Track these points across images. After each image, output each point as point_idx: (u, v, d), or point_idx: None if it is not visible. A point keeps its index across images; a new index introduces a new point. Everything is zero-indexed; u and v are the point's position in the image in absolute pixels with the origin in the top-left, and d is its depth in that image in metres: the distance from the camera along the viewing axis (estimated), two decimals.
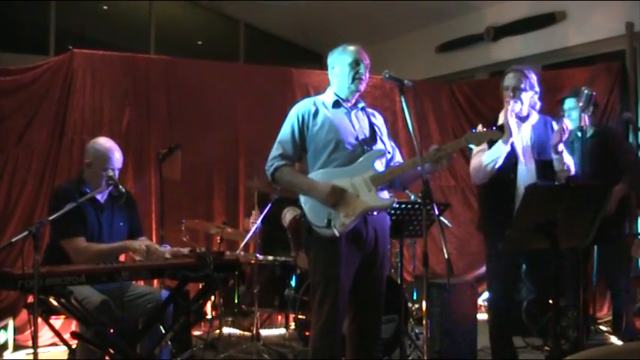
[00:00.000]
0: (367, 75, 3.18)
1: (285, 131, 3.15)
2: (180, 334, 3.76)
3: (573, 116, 4.24)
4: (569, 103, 4.53)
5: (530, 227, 2.90)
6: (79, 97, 5.13)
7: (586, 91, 4.04)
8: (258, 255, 4.49)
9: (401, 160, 3.27)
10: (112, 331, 3.05)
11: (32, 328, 2.82)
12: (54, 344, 4.68)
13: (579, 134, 4.34)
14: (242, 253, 4.63)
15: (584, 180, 4.05)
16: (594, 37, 6.10)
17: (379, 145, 3.17)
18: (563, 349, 4.00)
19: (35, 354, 2.80)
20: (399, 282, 4.34)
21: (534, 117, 3.63)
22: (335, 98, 3.18)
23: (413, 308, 4.93)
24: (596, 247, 4.43)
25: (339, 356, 3.07)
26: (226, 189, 5.72)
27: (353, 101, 3.22)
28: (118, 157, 3.54)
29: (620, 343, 4.40)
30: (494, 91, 3.72)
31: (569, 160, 3.55)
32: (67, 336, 3.36)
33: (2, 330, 4.59)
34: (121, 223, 3.58)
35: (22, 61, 5.45)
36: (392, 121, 6.14)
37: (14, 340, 4.68)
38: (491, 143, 3.50)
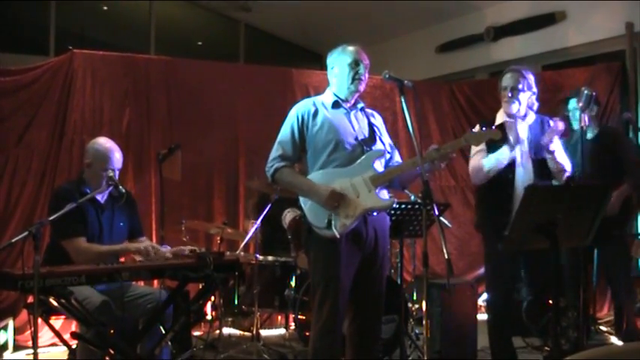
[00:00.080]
0: (366, 75, 3.18)
1: (285, 132, 3.15)
2: (181, 335, 3.76)
3: (577, 116, 4.23)
4: (573, 103, 4.51)
5: (530, 227, 2.90)
6: (79, 98, 5.13)
7: (586, 92, 4.04)
8: (257, 255, 4.49)
9: (400, 160, 3.27)
10: (112, 331, 3.05)
11: (32, 329, 2.82)
12: (54, 344, 4.69)
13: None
14: (242, 253, 4.63)
15: (586, 180, 4.04)
16: (594, 37, 6.10)
17: (378, 146, 3.17)
18: (563, 349, 4.01)
19: (35, 354, 2.80)
20: (399, 282, 4.34)
21: (531, 117, 3.64)
22: (334, 99, 3.18)
23: (413, 308, 4.93)
24: (595, 247, 4.42)
25: (339, 356, 3.08)
26: (226, 189, 5.72)
27: (352, 101, 3.22)
28: (118, 157, 3.54)
29: (620, 343, 4.40)
30: (495, 91, 3.72)
31: (564, 160, 3.55)
32: (67, 336, 3.36)
33: (2, 330, 4.59)
34: (121, 224, 3.58)
35: (22, 62, 5.45)
36: (392, 121, 6.14)
37: (14, 340, 4.68)
38: (490, 143, 3.50)
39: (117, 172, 3.52)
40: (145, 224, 4.32)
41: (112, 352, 3.06)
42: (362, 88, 3.19)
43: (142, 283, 4.05)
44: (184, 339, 4.02)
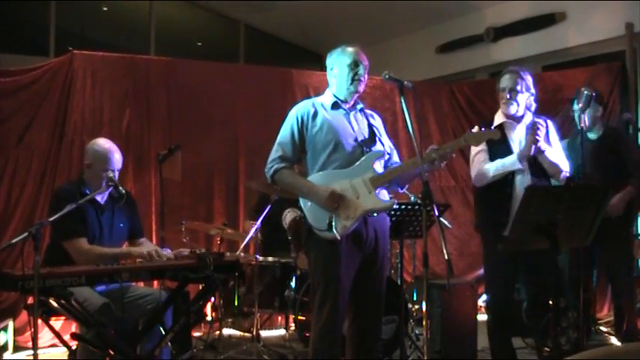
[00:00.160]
0: (366, 76, 3.18)
1: (285, 133, 3.15)
2: (181, 335, 3.75)
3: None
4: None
5: (531, 228, 2.90)
6: (79, 98, 5.13)
7: (585, 92, 4.03)
8: (258, 256, 4.49)
9: (398, 161, 3.27)
10: (112, 332, 3.05)
11: (32, 329, 2.82)
12: (54, 345, 4.69)
13: (588, 135, 4.32)
14: (242, 254, 4.63)
15: (587, 181, 4.04)
16: (594, 37, 6.10)
17: (378, 146, 3.17)
18: (563, 349, 4.01)
19: (35, 355, 2.79)
20: (399, 283, 4.34)
21: (528, 117, 3.64)
22: (334, 99, 3.18)
23: (413, 309, 4.93)
24: (596, 247, 4.41)
25: (339, 357, 3.07)
26: (226, 190, 5.72)
27: (352, 102, 3.22)
28: (117, 158, 3.54)
29: (620, 344, 4.40)
30: (495, 91, 3.73)
31: (559, 159, 3.55)
32: (67, 337, 3.37)
33: (2, 331, 4.59)
34: (121, 224, 3.59)
35: (22, 62, 5.45)
36: (392, 121, 6.14)
37: (14, 341, 4.68)
38: (490, 143, 3.51)
39: (117, 173, 3.52)
40: (145, 225, 4.32)
41: (112, 352, 3.06)
42: (361, 88, 3.19)
43: (141, 284, 4.05)
44: (184, 340, 4.02)
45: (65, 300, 2.87)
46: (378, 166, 3.11)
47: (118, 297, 3.24)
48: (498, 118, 3.67)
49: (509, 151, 3.54)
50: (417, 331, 4.69)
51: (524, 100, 3.60)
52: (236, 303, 4.69)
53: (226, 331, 4.92)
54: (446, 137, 6.30)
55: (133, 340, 3.22)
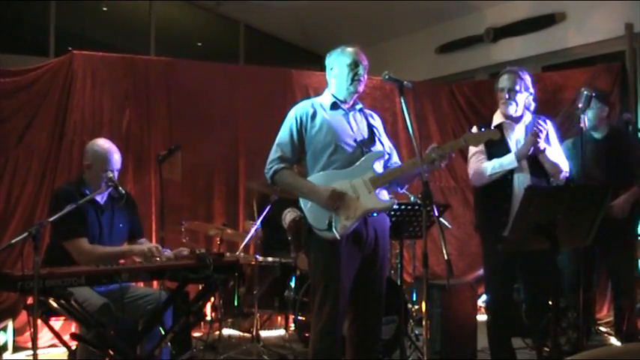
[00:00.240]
0: (365, 76, 3.19)
1: (284, 134, 3.15)
2: (180, 336, 3.75)
3: (589, 116, 4.21)
4: None
5: (530, 228, 2.90)
6: (79, 99, 5.13)
7: (585, 92, 4.03)
8: (258, 256, 4.49)
9: (398, 161, 3.27)
10: (112, 332, 3.05)
11: (32, 330, 2.81)
12: (53, 345, 4.68)
13: (594, 135, 4.30)
14: (242, 254, 4.63)
15: (587, 181, 4.03)
16: (594, 38, 6.10)
17: (378, 147, 3.17)
18: (563, 349, 4.01)
19: (35, 355, 2.79)
20: (398, 283, 4.34)
21: (527, 117, 3.65)
22: (333, 100, 3.18)
23: (413, 309, 4.93)
24: (596, 247, 4.40)
25: (339, 357, 3.08)
26: (226, 190, 5.72)
27: (351, 103, 3.22)
28: (117, 158, 3.54)
29: (619, 344, 4.40)
30: (494, 92, 3.72)
31: (559, 159, 3.55)
32: (66, 337, 3.36)
33: (2, 331, 4.59)
34: (121, 225, 3.59)
35: (22, 63, 5.45)
36: (392, 122, 6.15)
37: (14, 341, 4.68)
38: (488, 144, 3.51)
39: (116, 173, 3.52)
40: (144, 225, 4.32)
41: (111, 353, 3.06)
42: (361, 89, 3.19)
43: (141, 284, 4.05)
44: (184, 340, 4.02)
45: (65, 300, 2.87)
46: (378, 167, 3.11)
47: (118, 297, 3.24)
48: (497, 119, 3.67)
49: (508, 151, 3.54)
50: (416, 332, 4.69)
51: (523, 100, 3.60)
52: (236, 303, 4.69)
53: (226, 332, 4.92)
54: (446, 138, 6.29)
55: (133, 341, 3.22)
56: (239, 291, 4.68)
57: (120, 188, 3.45)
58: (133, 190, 4.96)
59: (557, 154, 3.59)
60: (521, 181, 3.47)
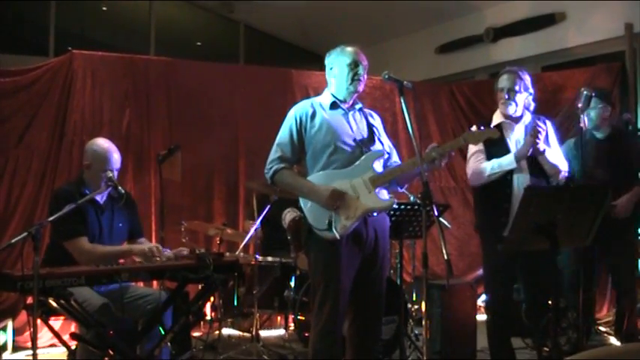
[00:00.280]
0: (365, 76, 3.18)
1: (284, 134, 3.15)
2: (180, 335, 3.75)
3: (592, 115, 4.20)
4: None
5: (530, 228, 2.90)
6: (79, 98, 5.13)
7: (585, 92, 4.02)
8: (257, 256, 4.49)
9: (398, 161, 3.27)
10: (111, 332, 3.05)
11: (31, 329, 2.81)
12: (53, 345, 4.69)
13: (596, 134, 4.30)
14: (242, 254, 4.63)
15: (587, 181, 4.02)
16: (594, 38, 6.10)
17: (377, 146, 3.17)
18: (562, 349, 4.01)
19: (34, 355, 2.79)
20: (398, 283, 4.34)
21: (527, 117, 3.65)
22: (332, 99, 3.18)
23: (412, 309, 4.93)
24: (596, 247, 4.40)
25: (339, 357, 3.07)
26: (226, 190, 5.72)
27: (351, 102, 3.21)
28: (116, 157, 3.54)
29: (619, 343, 4.40)
30: (494, 92, 3.72)
31: (558, 160, 3.55)
32: (66, 337, 3.36)
33: (1, 331, 4.59)
34: (120, 224, 3.58)
35: (21, 62, 5.45)
36: (392, 122, 6.15)
37: (13, 341, 4.68)
38: (488, 145, 3.51)
39: (116, 173, 3.52)
40: (144, 225, 4.32)
41: (111, 353, 3.06)
42: (361, 88, 3.19)
43: (141, 284, 4.05)
44: (184, 340, 4.02)
45: (65, 300, 2.87)
46: (378, 166, 3.11)
47: (118, 297, 3.24)
48: (497, 118, 3.67)
49: (507, 152, 3.54)
50: (416, 332, 4.69)
51: (523, 100, 3.60)
52: (236, 303, 4.69)
53: (226, 331, 4.92)
54: (446, 138, 6.29)
55: (133, 341, 3.22)
56: (239, 291, 4.67)
57: (119, 188, 3.45)
58: (132, 190, 4.97)
59: (556, 155, 3.58)
60: (521, 181, 3.47)
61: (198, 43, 8.64)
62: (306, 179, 3.09)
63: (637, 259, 4.63)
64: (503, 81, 3.61)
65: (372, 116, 3.31)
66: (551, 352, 3.31)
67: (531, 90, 3.64)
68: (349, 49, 3.17)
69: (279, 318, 5.44)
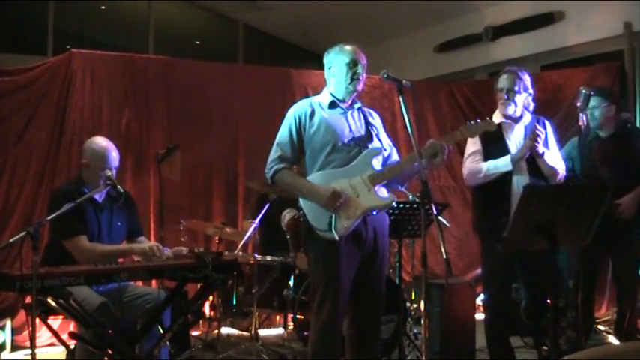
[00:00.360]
0: (364, 75, 3.18)
1: (283, 133, 3.14)
2: (179, 335, 3.76)
3: (596, 114, 4.19)
4: (592, 100, 4.40)
5: (530, 228, 2.90)
6: (78, 98, 5.13)
7: (584, 91, 4.01)
8: (256, 255, 4.49)
9: (398, 159, 3.26)
10: (110, 331, 3.05)
11: (30, 329, 2.81)
12: (52, 344, 4.68)
13: (600, 134, 4.29)
14: (241, 253, 4.63)
15: (587, 180, 4.02)
16: (593, 37, 6.11)
17: (375, 144, 3.17)
18: (561, 348, 4.01)
19: (33, 354, 2.79)
20: (397, 282, 4.34)
21: (527, 117, 3.64)
22: (331, 99, 3.18)
23: (412, 308, 4.93)
24: (596, 247, 4.39)
25: (339, 357, 3.07)
26: (225, 189, 5.71)
27: (350, 101, 3.21)
28: (115, 156, 3.54)
29: (618, 342, 4.40)
30: (494, 91, 3.72)
31: (556, 162, 3.54)
32: (65, 336, 3.36)
33: (0, 330, 4.59)
34: (119, 223, 3.58)
35: (20, 62, 5.44)
36: (391, 121, 6.14)
37: (12, 340, 4.67)
38: (487, 145, 3.50)
39: (114, 171, 3.52)
40: (143, 225, 4.31)
41: (110, 352, 3.06)
42: (360, 87, 3.18)
43: (140, 283, 4.05)
44: (183, 339, 4.02)
45: (64, 299, 2.87)
46: (377, 164, 3.11)
47: (117, 296, 3.24)
48: (496, 119, 3.66)
49: (507, 152, 3.53)
50: (415, 331, 4.69)
51: (522, 101, 3.60)
52: (235, 302, 4.69)
53: (225, 330, 4.92)
54: None
55: (132, 340, 3.22)
56: (238, 290, 4.67)
57: (118, 187, 3.45)
58: (132, 190, 4.96)
59: (554, 157, 3.58)
60: (521, 182, 3.46)
61: (197, 43, 8.64)
62: (306, 179, 3.08)
63: (639, 259, 4.63)
64: (503, 81, 3.61)
65: (371, 115, 3.31)
66: (550, 351, 3.31)
67: (531, 90, 3.63)
68: (348, 47, 3.17)
69: (278, 317, 5.45)
